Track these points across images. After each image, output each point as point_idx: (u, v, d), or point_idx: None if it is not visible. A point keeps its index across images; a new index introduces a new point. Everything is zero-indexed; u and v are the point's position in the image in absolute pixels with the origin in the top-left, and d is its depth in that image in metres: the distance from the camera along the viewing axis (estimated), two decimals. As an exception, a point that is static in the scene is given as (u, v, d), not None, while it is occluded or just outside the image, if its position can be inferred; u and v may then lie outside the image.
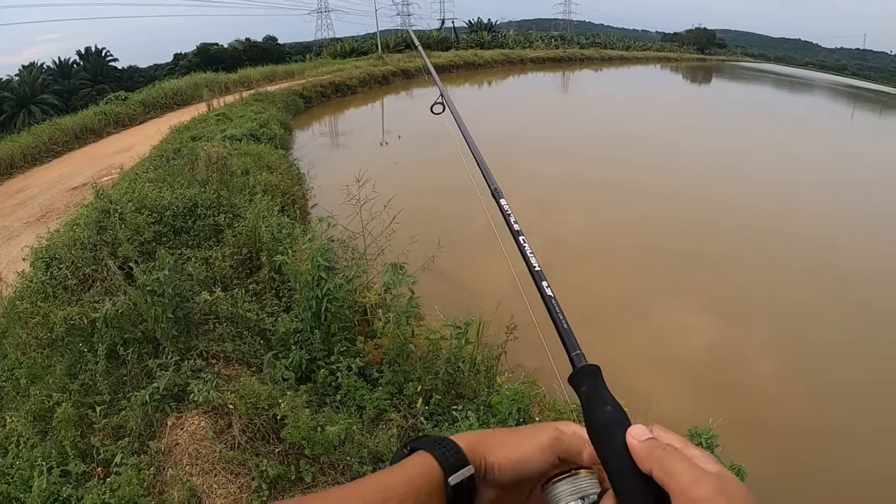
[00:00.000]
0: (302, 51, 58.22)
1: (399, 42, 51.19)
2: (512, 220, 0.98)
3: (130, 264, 5.42)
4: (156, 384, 4.18)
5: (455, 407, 4.54)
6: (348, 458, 3.80)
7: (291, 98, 22.78)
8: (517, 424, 4.31)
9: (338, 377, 4.52)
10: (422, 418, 4.39)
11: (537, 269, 0.87)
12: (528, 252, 0.91)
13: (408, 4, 71.84)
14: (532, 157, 16.55)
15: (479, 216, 10.23)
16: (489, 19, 66.67)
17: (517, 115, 24.78)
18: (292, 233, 6.59)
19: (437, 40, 54.56)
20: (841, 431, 5.96)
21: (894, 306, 8.68)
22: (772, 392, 6.62)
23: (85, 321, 4.93)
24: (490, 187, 1.10)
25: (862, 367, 7.07)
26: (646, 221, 11.78)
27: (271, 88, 23.87)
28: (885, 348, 7.44)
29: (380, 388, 4.50)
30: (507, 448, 0.73)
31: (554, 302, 0.82)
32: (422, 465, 0.70)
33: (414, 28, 65.60)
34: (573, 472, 0.69)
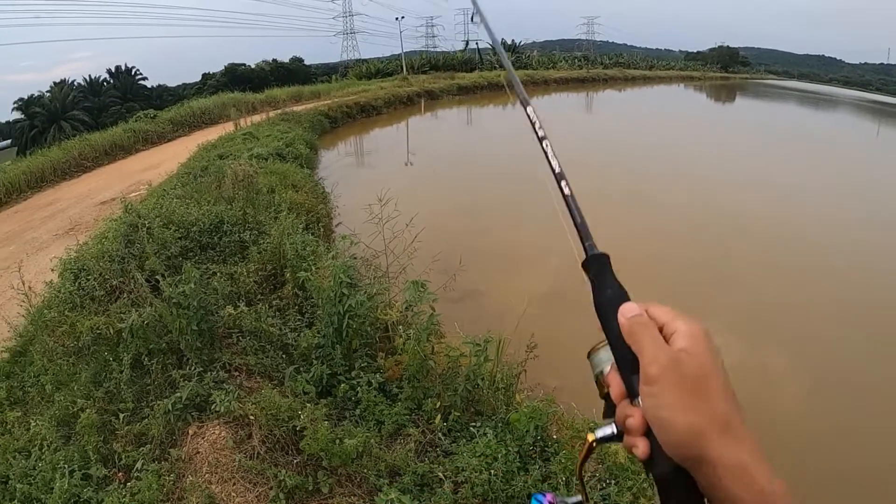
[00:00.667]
0: (328, 72, 59.11)
1: (423, 63, 51.75)
2: (537, 125, 1.04)
3: (157, 277, 5.52)
4: (179, 394, 4.25)
5: (473, 424, 4.55)
6: (365, 470, 3.82)
7: (317, 118, 23.11)
8: (534, 443, 4.34)
9: (358, 392, 4.55)
10: (440, 434, 4.41)
11: (558, 170, 0.93)
12: (549, 154, 0.97)
13: (432, 26, 72.59)
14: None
15: (498, 235, 10.30)
16: (513, 40, 67.33)
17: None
18: (316, 250, 6.67)
19: (462, 62, 55.01)
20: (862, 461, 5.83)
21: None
22: (795, 412, 6.53)
23: (111, 331, 5.03)
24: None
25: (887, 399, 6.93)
26: (667, 234, 11.84)
27: (297, 108, 24.23)
28: None
29: (399, 403, 4.53)
30: None
31: (572, 199, 0.90)
32: None
33: (438, 50, 66.20)
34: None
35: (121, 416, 4.20)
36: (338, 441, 3.80)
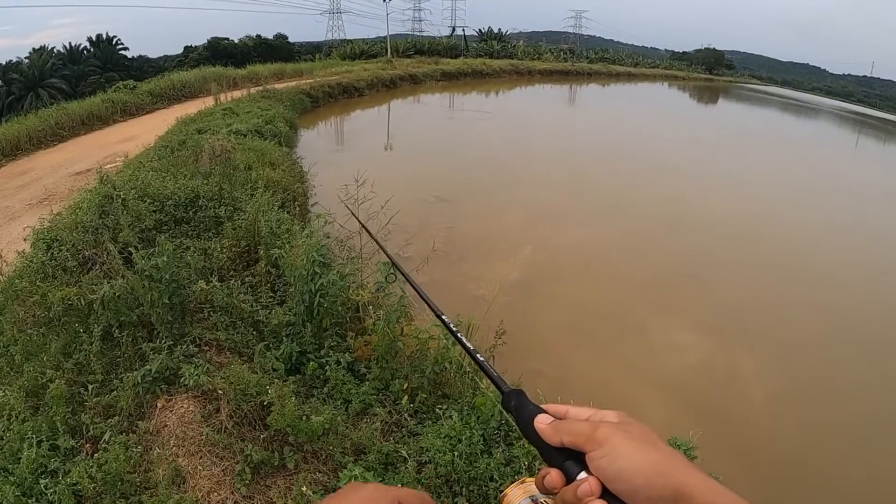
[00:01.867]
0: (312, 50, 58.48)
1: (409, 47, 51.46)
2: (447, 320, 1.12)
3: (130, 249, 5.51)
4: (148, 366, 4.28)
5: (439, 406, 4.62)
6: (331, 447, 3.89)
7: (298, 97, 22.95)
8: (499, 427, 4.43)
9: (326, 371, 4.61)
10: (406, 415, 4.48)
11: (472, 349, 0.98)
12: (448, 322, 1.10)
13: (420, 10, 72.16)
14: (534, 168, 16.72)
15: (474, 223, 10.37)
16: (499, 29, 67.20)
17: (524, 126, 24.93)
18: (290, 228, 6.69)
19: (447, 47, 54.82)
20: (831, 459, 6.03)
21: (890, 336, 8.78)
22: (760, 414, 6.68)
23: (82, 302, 5.01)
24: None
25: (854, 397, 7.14)
26: (642, 237, 11.89)
27: (279, 86, 24.03)
28: (876, 375, 7.56)
29: (367, 383, 4.60)
30: None
31: (479, 354, 0.96)
32: None
33: (424, 34, 65.86)
34: (523, 480, 0.89)
35: (90, 387, 4.22)
36: (304, 418, 3.87)
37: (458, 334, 1.02)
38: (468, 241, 9.18)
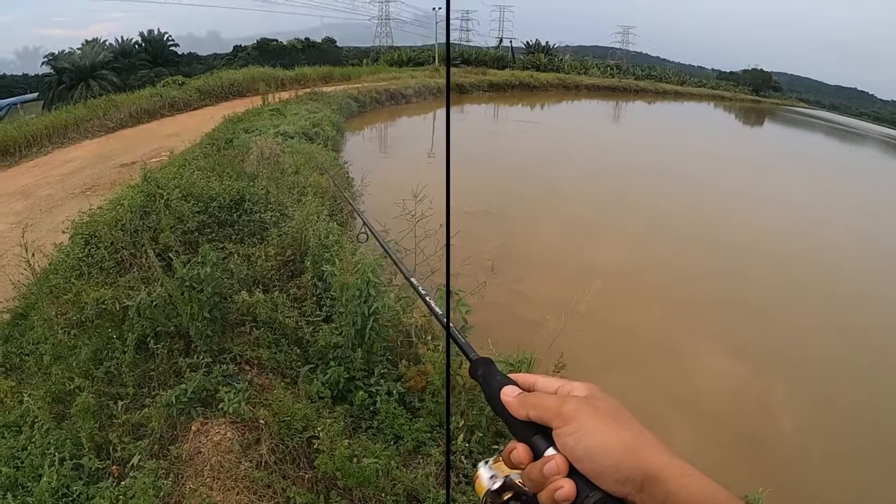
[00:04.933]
0: (359, 55, 58.58)
1: (456, 56, 51.37)
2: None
3: (170, 254, 5.21)
4: (184, 385, 3.93)
5: (495, 446, 4.21)
6: (383, 494, 3.47)
7: (346, 101, 22.77)
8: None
9: (377, 401, 4.22)
10: (462, 456, 4.07)
11: (426, 294, 1.05)
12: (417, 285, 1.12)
13: (468, 20, 72.04)
14: (579, 184, 16.41)
15: (537, 240, 9.96)
16: (547, 42, 66.48)
17: (569, 139, 24.61)
18: (339, 240, 6.35)
19: (494, 58, 54.61)
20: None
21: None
22: (791, 442, 6.49)
23: (117, 306, 4.73)
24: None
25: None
26: (683, 258, 11.68)
27: (327, 89, 23.94)
28: None
29: (420, 419, 4.18)
30: None
31: (449, 330, 0.94)
32: None
33: (471, 44, 65.80)
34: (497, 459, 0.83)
35: (119, 402, 3.89)
36: (355, 459, 3.46)
37: (427, 298, 1.05)
38: (526, 260, 8.80)
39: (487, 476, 0.84)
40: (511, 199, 13.80)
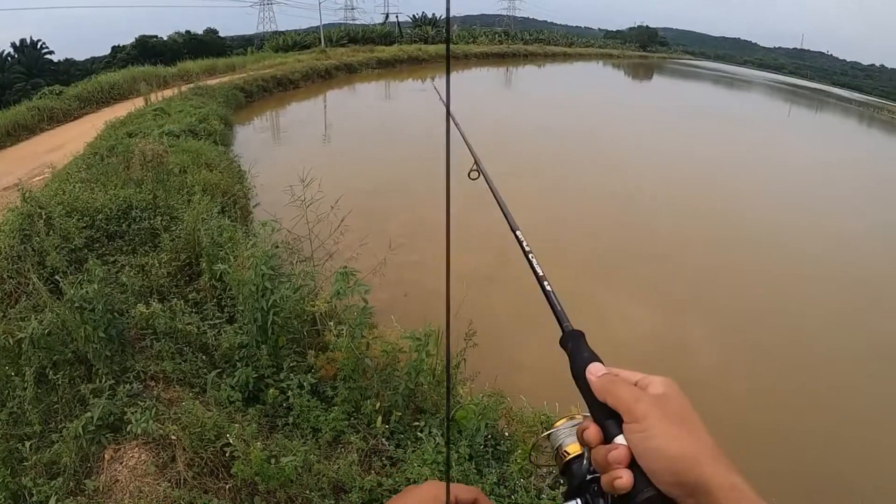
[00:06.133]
0: (243, 44, 56.62)
1: (342, 36, 50.52)
2: (525, 245, 1.06)
3: (58, 277, 4.90)
4: (89, 413, 3.69)
5: (416, 423, 4.20)
6: (307, 491, 3.40)
7: (232, 92, 22.00)
8: (485, 442, 4.03)
9: (289, 396, 4.13)
10: (382, 439, 4.04)
11: (541, 274, 0.97)
12: (535, 265, 1.00)
13: (353, -1, 70.92)
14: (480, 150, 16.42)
15: (431, 213, 9.94)
16: (433, 14, 66.26)
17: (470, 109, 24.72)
18: (233, 236, 6.15)
19: (381, 35, 54.05)
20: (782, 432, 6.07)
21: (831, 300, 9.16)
22: (712, 380, 6.72)
23: (10, 341, 4.39)
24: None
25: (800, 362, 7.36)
26: (593, 216, 11.92)
27: (211, 82, 23.10)
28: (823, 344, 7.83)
29: (335, 407, 4.12)
30: None
31: (547, 283, 0.95)
32: None
33: (357, 22, 64.85)
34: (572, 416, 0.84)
35: (27, 442, 3.62)
36: (273, 460, 3.37)
37: (531, 255, 1.01)
38: (422, 234, 8.75)
39: (570, 440, 0.82)
40: (412, 174, 13.70)
